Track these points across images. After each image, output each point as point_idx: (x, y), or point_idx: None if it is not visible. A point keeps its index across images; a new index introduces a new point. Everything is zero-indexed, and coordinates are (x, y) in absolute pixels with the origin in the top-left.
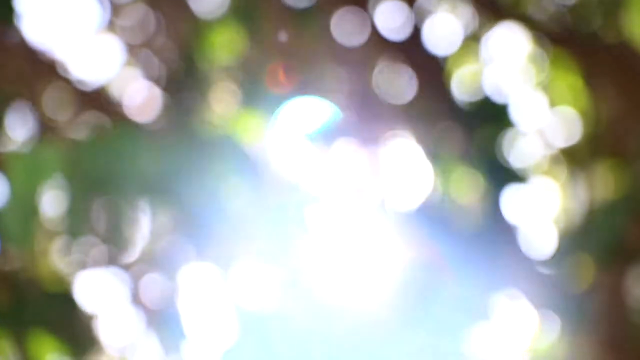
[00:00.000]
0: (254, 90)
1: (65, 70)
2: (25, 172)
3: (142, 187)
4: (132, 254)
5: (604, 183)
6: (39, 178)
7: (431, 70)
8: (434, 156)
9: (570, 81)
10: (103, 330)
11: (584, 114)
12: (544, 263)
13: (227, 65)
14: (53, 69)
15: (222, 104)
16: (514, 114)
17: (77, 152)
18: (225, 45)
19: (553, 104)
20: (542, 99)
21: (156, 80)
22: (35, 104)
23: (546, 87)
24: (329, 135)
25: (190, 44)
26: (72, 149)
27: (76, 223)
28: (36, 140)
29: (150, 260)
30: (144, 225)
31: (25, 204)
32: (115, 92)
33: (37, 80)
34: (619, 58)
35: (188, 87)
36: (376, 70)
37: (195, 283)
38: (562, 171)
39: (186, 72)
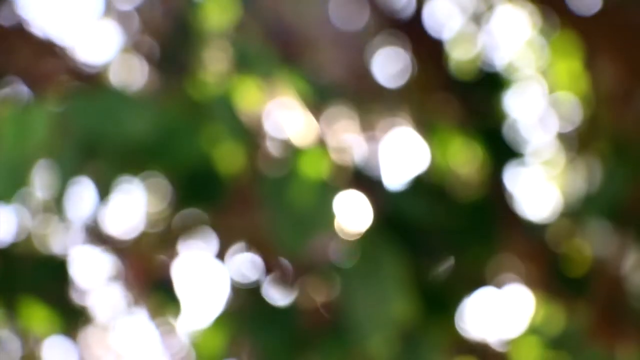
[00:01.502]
0: (248, 53)
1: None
2: (14, 133)
3: (133, 150)
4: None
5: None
6: (28, 139)
7: (430, 46)
8: (431, 128)
9: (571, 66)
10: (95, 299)
11: (584, 99)
12: (543, 233)
13: (221, 28)
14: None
15: (216, 67)
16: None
17: (67, 113)
18: (219, 8)
19: (552, 89)
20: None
21: (148, 43)
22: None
23: (545, 73)
24: (323, 100)
25: (183, 6)
26: (62, 110)
27: (65, 183)
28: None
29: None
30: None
31: (14, 166)
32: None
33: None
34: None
35: (181, 49)
36: (374, 45)
37: (188, 252)
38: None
39: (179, 34)
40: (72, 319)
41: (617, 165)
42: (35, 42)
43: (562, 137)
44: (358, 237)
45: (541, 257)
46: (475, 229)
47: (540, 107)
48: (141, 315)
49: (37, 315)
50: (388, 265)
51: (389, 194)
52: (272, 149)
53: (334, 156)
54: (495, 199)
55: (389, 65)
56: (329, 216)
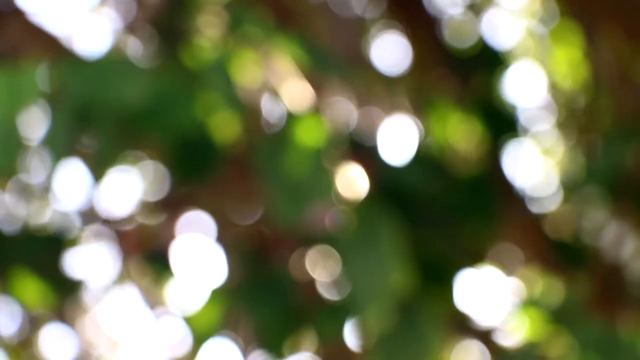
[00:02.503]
0: (244, 20)
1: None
2: (6, 98)
3: (128, 117)
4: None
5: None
6: (21, 104)
7: (429, 23)
8: (430, 104)
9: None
10: (88, 271)
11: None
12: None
13: None
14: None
15: (211, 34)
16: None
17: (60, 78)
18: None
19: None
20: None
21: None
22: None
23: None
24: (320, 68)
25: None
26: (56, 73)
27: (59, 152)
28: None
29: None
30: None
31: (7, 132)
32: None
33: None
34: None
35: (176, 16)
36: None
37: (182, 221)
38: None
39: (174, 1)
40: (66, 292)
41: (617, 137)
42: (26, 23)
43: (562, 120)
44: (355, 206)
45: (539, 231)
46: (473, 204)
47: (540, 94)
48: (134, 291)
49: (29, 288)
50: (385, 235)
51: (386, 165)
52: (268, 117)
53: (330, 124)
54: (493, 174)
55: (388, 47)
56: (326, 185)
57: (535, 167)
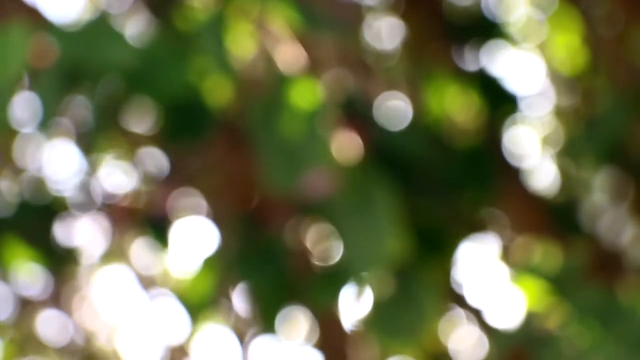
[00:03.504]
0: None
1: None
2: None
3: (119, 82)
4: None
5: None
6: (9, 64)
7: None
8: (427, 76)
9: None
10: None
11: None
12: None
13: None
14: None
15: None
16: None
17: (49, 38)
18: None
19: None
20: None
21: None
22: None
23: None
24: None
25: None
26: (45, 36)
27: (49, 117)
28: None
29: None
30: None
31: None
32: None
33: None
34: None
35: None
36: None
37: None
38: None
39: None
40: (58, 261)
41: (616, 104)
42: None
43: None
44: (350, 171)
45: (535, 200)
46: (470, 173)
47: (538, 80)
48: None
49: (21, 257)
50: (381, 201)
51: (381, 130)
52: (262, 80)
53: (324, 88)
54: (490, 145)
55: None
56: (321, 149)
57: (532, 137)
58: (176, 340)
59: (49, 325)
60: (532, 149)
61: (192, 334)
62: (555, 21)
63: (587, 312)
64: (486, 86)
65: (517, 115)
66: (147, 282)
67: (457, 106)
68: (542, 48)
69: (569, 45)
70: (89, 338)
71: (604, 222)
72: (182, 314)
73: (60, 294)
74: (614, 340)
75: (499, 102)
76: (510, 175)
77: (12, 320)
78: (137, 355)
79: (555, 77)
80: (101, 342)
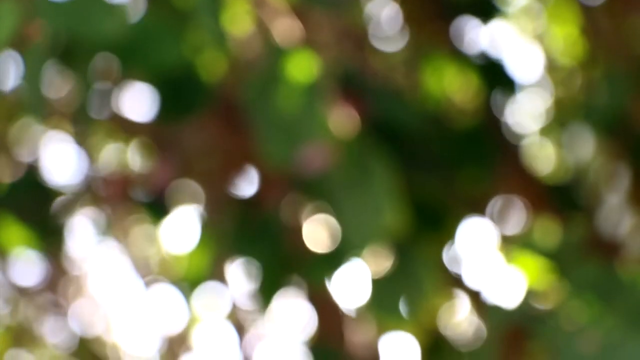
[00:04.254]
0: None
1: None
2: None
3: (109, 55)
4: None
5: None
6: None
7: None
8: (425, 56)
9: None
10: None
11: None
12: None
13: None
14: None
15: None
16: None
17: (39, 9)
18: None
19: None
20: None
21: None
22: None
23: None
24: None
25: None
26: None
27: (36, 92)
28: None
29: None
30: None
31: None
32: None
33: None
34: None
35: None
36: None
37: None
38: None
39: None
40: (52, 239)
41: (616, 75)
42: None
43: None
44: (347, 145)
45: (533, 178)
46: (469, 152)
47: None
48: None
49: (14, 234)
50: (379, 174)
51: (379, 104)
52: (257, 54)
53: (321, 61)
54: (489, 125)
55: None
56: (317, 122)
57: (530, 112)
58: (174, 329)
59: (46, 315)
60: (531, 129)
61: (189, 323)
62: (554, 11)
63: (585, 287)
64: (485, 66)
65: (516, 95)
66: (143, 264)
67: (455, 86)
68: (541, 38)
69: (567, 35)
70: (86, 328)
71: (602, 207)
72: (179, 302)
73: (56, 282)
74: (613, 315)
75: (498, 82)
76: (509, 155)
77: (8, 309)
78: (135, 344)
79: (554, 66)
80: (99, 331)
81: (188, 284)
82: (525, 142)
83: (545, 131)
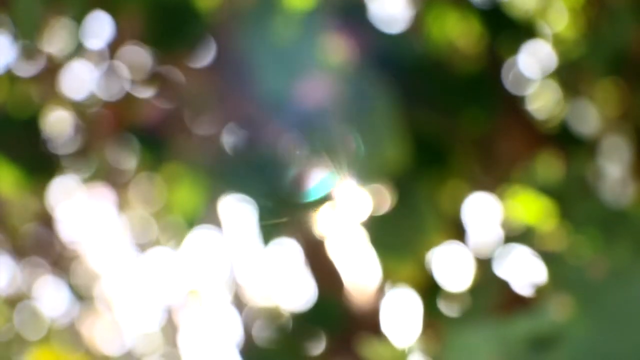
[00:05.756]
0: None
1: None
2: None
3: None
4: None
5: None
6: None
7: None
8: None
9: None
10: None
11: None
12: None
13: None
14: None
15: None
16: None
17: None
18: None
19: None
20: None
21: None
22: None
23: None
24: None
25: None
26: None
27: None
28: None
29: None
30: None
31: None
32: None
33: None
34: None
35: None
36: None
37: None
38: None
39: None
40: (44, 175)
41: (622, 13)
42: None
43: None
44: (346, 76)
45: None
46: (471, 95)
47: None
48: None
49: (6, 173)
50: (379, 106)
51: (379, 34)
52: None
53: None
54: (492, 71)
55: None
56: (315, 52)
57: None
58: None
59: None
60: (534, 73)
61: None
62: None
63: (589, 222)
64: (487, 12)
65: (519, 41)
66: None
67: (458, 32)
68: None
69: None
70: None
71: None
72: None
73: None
74: (618, 245)
75: (501, 27)
76: (511, 100)
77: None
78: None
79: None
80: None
81: (184, 224)
82: (528, 86)
83: (549, 74)
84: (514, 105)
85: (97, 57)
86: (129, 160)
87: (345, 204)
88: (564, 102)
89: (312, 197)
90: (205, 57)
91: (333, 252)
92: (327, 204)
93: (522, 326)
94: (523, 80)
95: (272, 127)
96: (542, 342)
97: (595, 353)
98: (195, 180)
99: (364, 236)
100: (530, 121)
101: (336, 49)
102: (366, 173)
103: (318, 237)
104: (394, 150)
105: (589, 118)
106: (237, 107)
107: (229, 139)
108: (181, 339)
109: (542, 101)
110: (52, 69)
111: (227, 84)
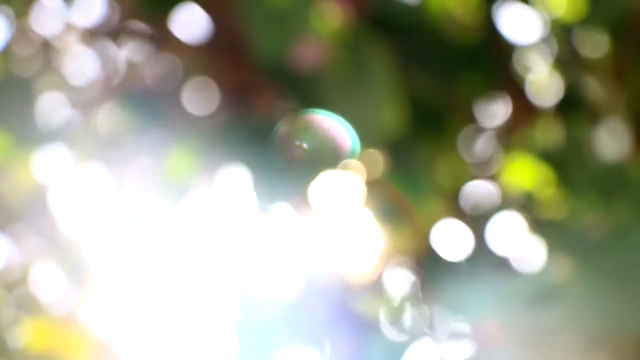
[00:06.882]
0: None
1: None
2: None
3: None
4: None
5: None
6: None
7: None
8: None
9: None
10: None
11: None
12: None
13: None
14: None
15: None
16: None
17: None
18: None
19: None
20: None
21: None
22: None
23: None
24: None
25: None
26: None
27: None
28: None
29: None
30: None
31: None
32: None
33: None
34: None
35: None
36: None
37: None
38: None
39: None
40: (34, 141)
41: None
42: None
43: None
44: (342, 39)
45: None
46: (469, 64)
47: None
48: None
49: None
50: (376, 69)
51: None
52: None
53: None
54: (490, 40)
55: None
56: (311, 15)
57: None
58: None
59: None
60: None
61: None
62: None
63: (588, 185)
64: None
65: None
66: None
67: (456, 1)
68: None
69: None
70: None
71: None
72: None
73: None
74: (619, 207)
75: None
76: (509, 70)
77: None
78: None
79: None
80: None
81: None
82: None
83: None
84: (512, 72)
85: (90, 33)
86: (121, 128)
87: (341, 172)
88: (563, 68)
89: (309, 164)
90: (199, 23)
91: (330, 222)
92: (324, 172)
93: (522, 284)
94: (521, 48)
95: (268, 93)
96: (542, 299)
97: (595, 309)
98: (189, 149)
99: (360, 203)
100: (528, 88)
101: (333, 13)
102: (362, 136)
103: (315, 206)
104: (391, 115)
105: (589, 83)
106: (231, 74)
107: (223, 107)
108: (178, 317)
109: (542, 67)
110: (46, 46)
111: (222, 50)
